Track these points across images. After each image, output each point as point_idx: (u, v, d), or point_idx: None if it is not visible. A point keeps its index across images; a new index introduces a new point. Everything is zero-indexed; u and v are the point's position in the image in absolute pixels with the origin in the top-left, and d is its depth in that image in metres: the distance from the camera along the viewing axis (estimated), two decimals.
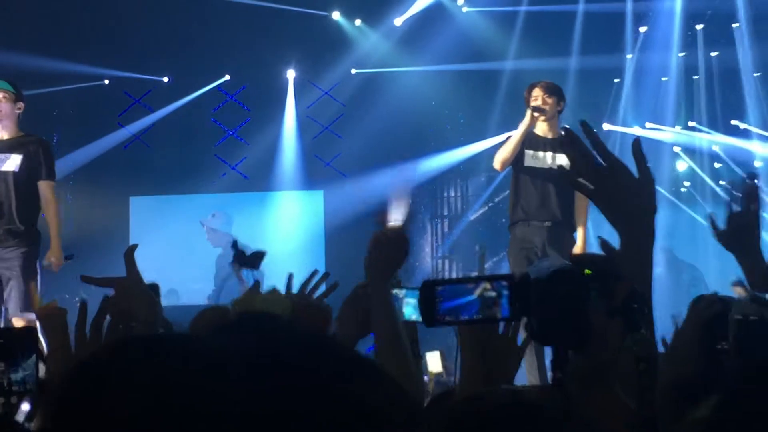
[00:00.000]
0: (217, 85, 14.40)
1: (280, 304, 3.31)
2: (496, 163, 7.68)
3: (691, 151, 15.49)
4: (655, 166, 14.80)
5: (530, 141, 7.71)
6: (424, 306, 2.30)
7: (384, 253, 3.18)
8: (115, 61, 13.59)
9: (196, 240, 13.99)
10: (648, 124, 14.95)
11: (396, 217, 3.37)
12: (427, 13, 13.62)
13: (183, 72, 14.10)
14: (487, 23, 13.73)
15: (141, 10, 12.89)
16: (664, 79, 14.54)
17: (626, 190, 2.16)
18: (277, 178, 14.38)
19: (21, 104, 7.46)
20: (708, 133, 14.82)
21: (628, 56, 14.34)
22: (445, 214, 15.16)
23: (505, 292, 2.25)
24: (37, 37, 12.46)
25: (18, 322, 6.79)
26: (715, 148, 15.15)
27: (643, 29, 14.08)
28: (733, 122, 14.92)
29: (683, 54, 14.29)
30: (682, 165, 15.52)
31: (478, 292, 2.26)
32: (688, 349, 2.39)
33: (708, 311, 2.38)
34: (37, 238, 7.45)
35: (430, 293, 2.29)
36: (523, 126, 7.62)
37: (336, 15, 13.90)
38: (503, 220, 14.68)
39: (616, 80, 14.70)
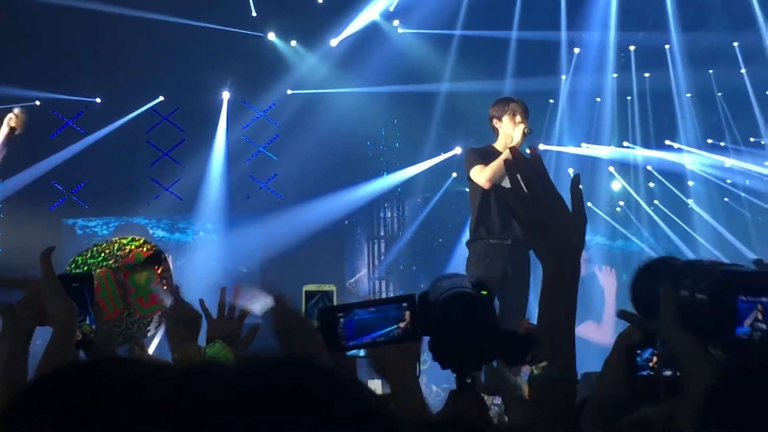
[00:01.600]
0: (151, 106, 14.53)
1: (224, 354, 3.41)
2: (485, 182, 7.69)
3: (625, 171, 15.98)
4: (591, 186, 15.35)
5: (494, 158, 7.92)
6: (326, 332, 2.35)
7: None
8: (45, 83, 13.66)
9: None
10: (583, 144, 15.41)
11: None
12: (363, 35, 13.98)
13: (115, 93, 14.23)
14: (423, 45, 14.12)
15: (72, 30, 13.04)
16: (598, 99, 15.02)
17: (557, 223, 2.20)
18: (211, 199, 14.55)
19: None
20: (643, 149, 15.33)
21: (563, 77, 14.80)
22: (382, 234, 15.49)
23: (407, 313, 2.34)
24: None
25: None
26: (649, 168, 15.69)
27: (576, 50, 14.55)
28: (667, 142, 15.47)
29: (616, 75, 14.77)
30: (617, 185, 15.99)
31: (378, 314, 2.34)
32: (615, 373, 2.41)
33: (630, 339, 2.37)
34: None
35: (330, 319, 2.35)
36: (515, 143, 7.72)
37: (271, 36, 14.20)
38: (440, 240, 15.14)
39: (551, 101, 15.16)
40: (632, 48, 14.67)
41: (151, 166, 14.66)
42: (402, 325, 2.35)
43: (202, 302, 3.74)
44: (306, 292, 3.42)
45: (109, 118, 14.34)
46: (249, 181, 14.63)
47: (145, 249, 4.40)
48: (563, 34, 14.10)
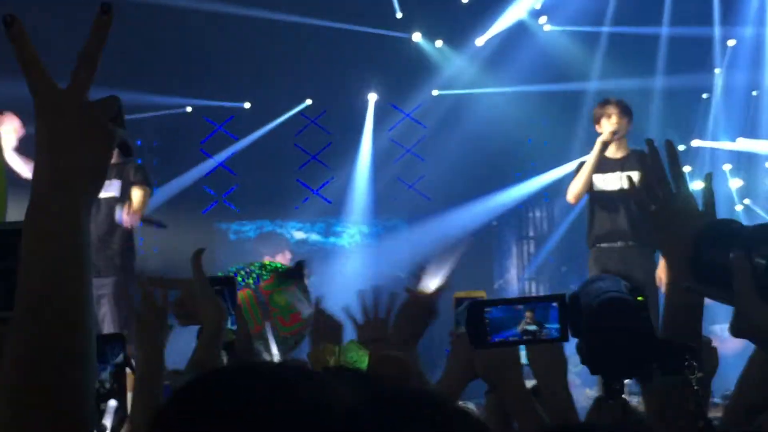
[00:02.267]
0: (299, 110, 14.90)
1: (357, 356, 3.52)
2: (570, 197, 8.01)
3: None
4: (748, 182, 15.00)
5: (599, 164, 8.00)
6: (472, 327, 2.38)
7: (410, 319, 3.19)
8: (196, 90, 14.16)
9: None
10: (739, 139, 15.05)
11: (431, 282, 3.41)
12: (508, 33, 14.00)
13: (264, 98, 14.60)
14: (570, 42, 14.04)
15: (220, 37, 13.42)
16: (754, 93, 14.66)
17: (685, 222, 2.16)
18: (359, 202, 14.76)
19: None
20: None
21: (717, 71, 14.50)
22: (531, 235, 15.47)
23: (555, 313, 2.34)
24: (117, 69, 13.01)
25: None
26: None
27: (731, 43, 14.23)
28: None
29: None
30: None
31: (527, 313, 2.34)
32: (759, 373, 2.34)
33: None
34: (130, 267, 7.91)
35: (477, 314, 2.37)
36: (593, 156, 7.87)
37: (417, 37, 14.34)
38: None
39: (704, 96, 14.87)
40: None
41: (300, 169, 14.96)
42: (548, 324, 2.34)
43: (347, 310, 3.75)
44: (456, 298, 3.41)
45: (258, 122, 14.70)
46: (397, 183, 14.77)
47: (277, 274, 4.57)
48: (716, 29, 13.81)
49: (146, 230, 13.16)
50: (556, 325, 2.33)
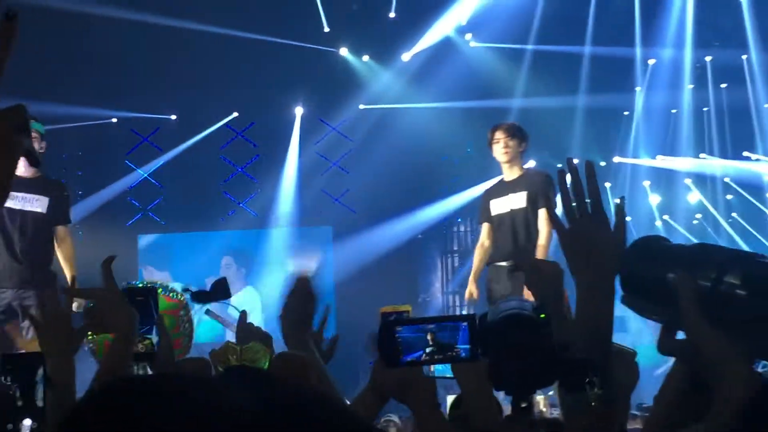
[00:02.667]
0: (225, 123, 14.94)
1: (259, 355, 3.51)
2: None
3: (702, 184, 15.94)
4: (668, 198, 15.37)
5: (494, 190, 8.53)
6: (384, 347, 2.36)
7: (294, 304, 3.15)
8: (122, 102, 14.14)
9: (205, 276, 14.46)
10: (659, 156, 15.43)
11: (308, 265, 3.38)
12: (435, 49, 14.16)
13: (190, 110, 14.66)
14: (495, 59, 14.24)
15: (147, 48, 13.38)
16: (673, 111, 15.03)
17: (599, 243, 2.15)
18: (284, 214, 14.84)
19: (44, 144, 7.84)
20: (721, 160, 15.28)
21: (637, 89, 14.85)
22: (455, 249, 15.65)
23: (465, 333, 2.34)
24: (43, 80, 12.94)
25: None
26: (727, 180, 15.64)
27: (651, 62, 14.57)
28: (745, 153, 15.40)
29: (692, 86, 14.76)
30: (694, 197, 15.96)
31: (437, 332, 2.35)
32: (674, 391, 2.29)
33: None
34: (54, 280, 7.85)
35: (389, 334, 2.35)
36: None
37: (344, 51, 14.45)
38: None
39: (625, 113, 15.21)
40: (708, 59, 14.64)
41: (225, 181, 15.00)
42: (459, 344, 2.36)
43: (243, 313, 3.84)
44: (382, 313, 3.41)
45: (185, 134, 14.70)
46: (322, 196, 14.87)
47: (169, 295, 4.67)
48: (638, 50, 14.14)
49: None
50: (466, 345, 2.35)
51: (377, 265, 13.88)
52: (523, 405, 2.31)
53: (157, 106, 14.46)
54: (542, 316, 2.30)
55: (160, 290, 4.50)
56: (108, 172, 14.59)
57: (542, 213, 7.90)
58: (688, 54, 14.26)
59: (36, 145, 7.69)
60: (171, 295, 4.73)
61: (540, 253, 7.74)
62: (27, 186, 7.62)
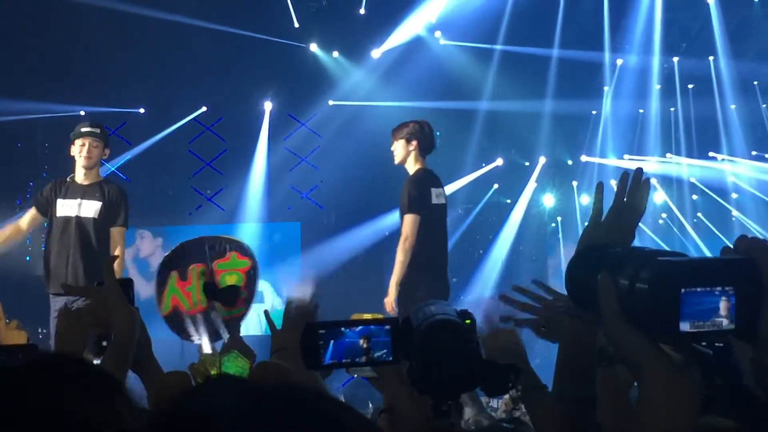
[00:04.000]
0: (194, 117, 15.04)
1: (238, 365, 3.57)
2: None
3: (668, 184, 16.19)
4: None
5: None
6: (307, 349, 2.39)
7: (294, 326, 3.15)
8: (90, 96, 14.11)
9: None
10: (626, 156, 15.67)
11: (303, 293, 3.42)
12: (405, 46, 14.35)
13: (159, 103, 14.73)
14: (465, 57, 14.44)
15: (115, 40, 13.48)
16: (641, 111, 15.28)
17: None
18: (253, 209, 14.95)
19: (108, 150, 8.35)
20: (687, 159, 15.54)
21: (605, 88, 15.08)
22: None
23: (388, 336, 2.40)
24: (12, 73, 13.02)
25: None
26: (693, 180, 15.91)
27: (620, 61, 14.83)
28: (711, 154, 15.68)
29: (659, 86, 15.01)
30: (660, 197, 16.20)
31: (361, 335, 2.40)
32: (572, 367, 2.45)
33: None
34: None
35: (312, 336, 2.39)
36: None
37: (313, 47, 14.60)
38: (480, 251, 15.48)
39: (593, 112, 15.44)
40: (676, 59, 14.90)
41: (194, 176, 15.07)
42: (381, 347, 2.40)
43: (266, 313, 3.79)
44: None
45: (153, 128, 14.75)
46: (291, 192, 14.99)
47: (241, 252, 4.84)
48: (606, 52, 14.39)
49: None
50: (389, 348, 2.39)
51: (345, 261, 14.06)
52: (444, 408, 2.32)
53: (125, 99, 14.47)
54: (467, 321, 2.36)
55: (230, 246, 4.57)
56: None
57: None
58: (656, 55, 14.51)
59: (96, 152, 7.84)
60: (242, 252, 4.87)
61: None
62: (83, 192, 7.99)
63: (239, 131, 15.15)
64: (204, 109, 15.03)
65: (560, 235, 16.51)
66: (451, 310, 2.43)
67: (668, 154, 15.78)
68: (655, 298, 1.66)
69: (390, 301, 7.86)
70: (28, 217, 8.29)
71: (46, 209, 8.09)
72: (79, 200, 7.98)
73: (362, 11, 14.02)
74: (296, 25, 14.14)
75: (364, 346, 2.39)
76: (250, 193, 15.00)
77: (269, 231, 15.01)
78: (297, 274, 14.62)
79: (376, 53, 14.53)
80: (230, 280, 4.62)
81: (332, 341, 2.39)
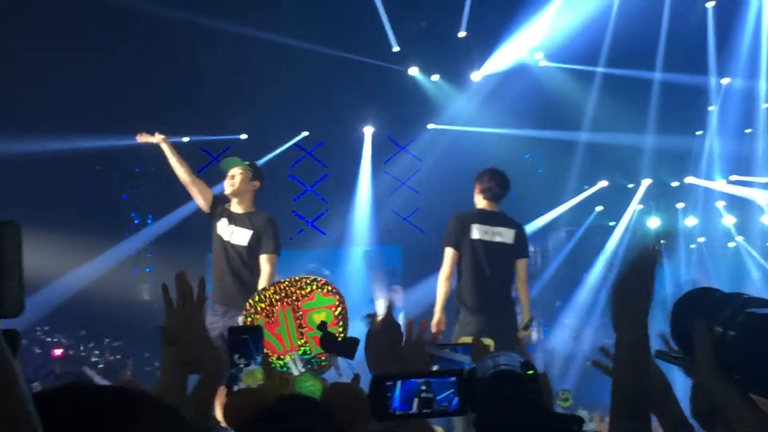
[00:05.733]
0: (295, 142, 15.31)
1: (310, 386, 3.58)
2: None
3: None
4: (742, 220, 15.38)
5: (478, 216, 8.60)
6: (375, 400, 2.43)
7: (380, 345, 3.15)
8: (193, 123, 14.44)
9: None
10: (733, 176, 15.44)
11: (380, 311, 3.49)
12: (505, 69, 14.43)
13: (261, 129, 15.00)
14: (566, 79, 14.41)
15: (217, 68, 13.79)
16: (748, 131, 15.04)
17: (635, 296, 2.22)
18: (355, 233, 15.08)
19: (257, 183, 8.56)
20: None
21: (711, 108, 14.90)
22: None
23: (453, 387, 2.44)
24: (117, 103, 13.36)
25: None
26: None
27: (725, 81, 14.64)
28: None
29: (767, 106, 14.78)
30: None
31: (427, 385, 2.45)
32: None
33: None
34: None
35: (380, 387, 2.43)
36: None
37: (413, 70, 14.72)
38: (583, 274, 15.39)
39: (698, 132, 15.25)
40: None
41: (295, 200, 15.26)
42: (447, 398, 2.44)
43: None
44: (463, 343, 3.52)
45: (255, 153, 14.95)
46: (392, 215, 15.09)
47: (325, 290, 4.93)
48: (712, 75, 14.27)
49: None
50: (455, 399, 2.44)
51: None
52: None
53: (226, 126, 14.75)
54: (529, 372, 2.42)
55: (314, 286, 4.69)
56: (179, 190, 14.86)
57: None
58: (763, 73, 14.30)
59: (241, 181, 8.29)
60: (326, 290, 4.98)
61: None
62: (237, 220, 8.31)
63: (340, 156, 15.38)
64: (305, 133, 15.24)
65: (665, 258, 16.31)
66: (515, 360, 2.49)
67: None
68: (745, 350, 1.72)
69: (433, 323, 8.16)
70: (202, 185, 8.62)
71: (213, 210, 8.44)
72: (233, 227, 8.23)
73: (462, 34, 14.07)
74: (396, 48, 14.24)
75: (431, 396, 2.43)
76: (352, 217, 15.14)
77: (370, 254, 15.13)
78: (399, 297, 14.71)
79: (476, 76, 14.61)
80: (318, 318, 4.68)
81: (399, 391, 2.43)
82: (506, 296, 8.40)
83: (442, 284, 8.40)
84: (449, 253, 8.40)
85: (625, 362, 2.19)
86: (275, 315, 4.73)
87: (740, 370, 1.73)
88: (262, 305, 5.22)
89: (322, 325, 4.19)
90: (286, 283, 5.25)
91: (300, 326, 4.97)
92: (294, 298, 5.09)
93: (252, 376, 3.31)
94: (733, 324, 1.73)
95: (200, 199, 8.58)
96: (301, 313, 5.02)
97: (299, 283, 5.19)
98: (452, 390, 2.42)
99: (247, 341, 3.42)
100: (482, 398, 2.36)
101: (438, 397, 2.43)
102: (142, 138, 8.94)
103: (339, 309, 5.12)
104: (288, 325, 4.82)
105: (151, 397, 1.51)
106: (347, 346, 3.95)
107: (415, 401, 2.43)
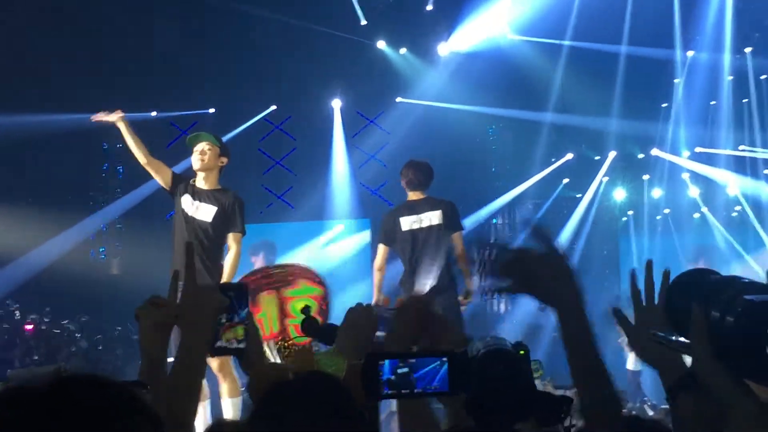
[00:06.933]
0: (263, 116, 15.32)
1: (336, 364, 3.56)
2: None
3: (741, 175, 16.01)
4: (707, 192, 15.54)
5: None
6: (367, 379, 2.45)
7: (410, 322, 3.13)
8: (160, 97, 14.49)
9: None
10: (698, 148, 15.59)
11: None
12: (472, 42, 14.52)
13: (228, 103, 15.02)
14: (533, 53, 14.49)
15: (184, 43, 13.83)
16: (712, 103, 15.17)
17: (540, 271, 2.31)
18: (323, 207, 15.13)
19: (224, 159, 8.51)
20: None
21: (676, 81, 15.02)
22: (492, 241, 15.88)
23: (444, 367, 2.44)
24: (84, 78, 13.33)
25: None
26: (767, 172, 15.75)
27: (690, 54, 14.75)
28: None
29: (732, 78, 14.90)
30: (732, 190, 16.02)
31: (419, 366, 2.46)
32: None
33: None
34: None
35: (372, 366, 2.45)
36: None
37: (381, 44, 14.75)
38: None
39: (663, 105, 15.38)
40: (748, 50, 14.78)
41: (264, 174, 15.28)
42: (438, 378, 2.45)
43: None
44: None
45: (223, 127, 14.96)
46: (361, 189, 15.15)
47: (310, 280, 5.01)
48: (678, 48, 14.38)
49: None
50: (446, 379, 2.45)
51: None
52: None
53: (195, 100, 14.77)
54: (521, 352, 2.46)
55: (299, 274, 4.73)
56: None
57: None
58: (728, 47, 14.43)
59: (210, 156, 8.20)
60: (317, 281, 5.03)
61: None
62: (203, 196, 8.30)
63: (308, 129, 15.43)
64: (274, 107, 15.25)
65: (632, 229, 16.50)
66: (507, 342, 2.53)
67: (741, 146, 15.63)
68: (743, 336, 1.73)
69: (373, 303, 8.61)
70: (159, 164, 8.62)
71: (175, 187, 8.44)
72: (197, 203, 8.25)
73: (429, 7, 14.11)
74: (363, 22, 14.26)
75: (422, 376, 2.45)
76: (320, 191, 15.16)
77: (339, 228, 15.18)
78: (368, 270, 14.78)
79: (443, 50, 14.63)
80: (300, 306, 4.71)
81: (391, 371, 2.45)
82: (444, 276, 8.86)
83: (375, 274, 9.17)
84: (380, 249, 9.21)
85: (572, 335, 2.22)
86: (259, 300, 4.79)
87: (736, 356, 1.76)
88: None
89: (306, 309, 4.21)
90: (273, 269, 5.31)
91: (282, 314, 5.03)
92: (278, 284, 5.15)
93: (233, 332, 3.32)
94: (731, 310, 1.76)
95: (159, 178, 8.60)
96: (283, 299, 5.07)
97: (286, 269, 5.25)
98: (444, 370, 2.43)
99: (231, 298, 3.44)
100: (473, 378, 2.36)
101: (429, 377, 2.45)
102: (98, 117, 8.80)
103: (325, 300, 5.15)
104: (270, 311, 4.87)
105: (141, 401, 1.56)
106: (327, 333, 4.00)
107: (407, 381, 2.45)
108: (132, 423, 1.50)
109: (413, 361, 2.45)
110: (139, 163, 8.78)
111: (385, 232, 9.18)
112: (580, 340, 2.21)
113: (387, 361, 2.46)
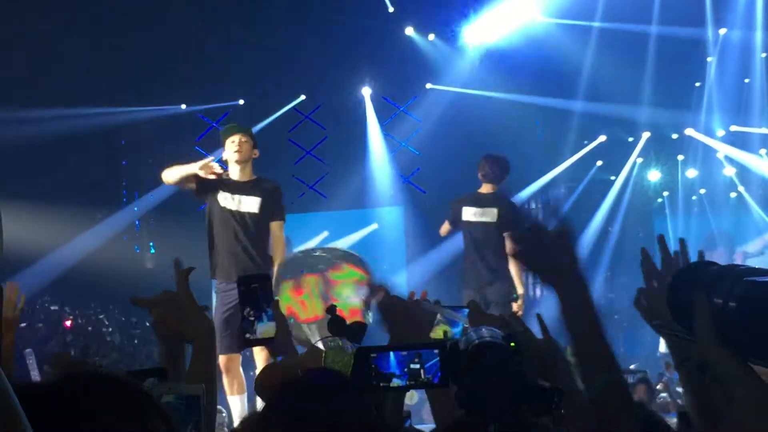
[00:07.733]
0: (293, 106, 15.33)
1: (342, 360, 3.60)
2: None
3: None
4: (742, 169, 15.42)
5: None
6: (358, 373, 2.47)
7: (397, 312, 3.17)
8: (190, 90, 14.60)
9: None
10: (733, 127, 15.46)
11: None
12: (502, 26, 14.39)
13: (257, 94, 15.07)
14: (564, 36, 14.36)
15: (212, 36, 13.85)
16: (746, 81, 15.04)
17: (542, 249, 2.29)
18: (355, 195, 15.11)
19: (257, 151, 8.41)
20: None
21: (709, 59, 14.90)
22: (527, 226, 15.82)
23: (437, 360, 2.47)
24: (116, 73, 13.41)
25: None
26: None
27: (722, 31, 14.62)
28: None
29: (765, 55, 14.76)
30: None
31: (411, 358, 2.48)
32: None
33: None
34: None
35: (364, 360, 2.47)
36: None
37: (409, 30, 14.68)
38: (586, 229, 15.44)
39: (696, 84, 15.25)
40: None
41: (295, 164, 15.28)
42: (430, 370, 2.47)
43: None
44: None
45: (253, 118, 14.99)
46: (392, 177, 15.13)
47: (355, 265, 5.00)
48: (709, 26, 14.26)
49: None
50: (438, 371, 2.47)
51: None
52: (490, 431, 2.34)
53: (224, 92, 14.80)
54: (512, 344, 2.42)
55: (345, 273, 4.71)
56: (178, 158, 14.85)
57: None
58: (760, 24, 14.28)
59: (247, 148, 8.18)
60: (362, 266, 5.02)
61: None
62: (242, 188, 8.15)
63: (338, 118, 15.42)
64: (302, 97, 15.25)
65: (667, 210, 16.40)
66: (498, 333, 2.49)
67: None
68: (746, 319, 1.73)
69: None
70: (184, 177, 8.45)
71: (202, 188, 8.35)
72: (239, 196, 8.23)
73: None
74: (391, 9, 14.21)
75: (416, 368, 2.47)
76: (352, 179, 15.15)
77: (371, 216, 15.18)
78: (402, 258, 14.78)
79: (472, 35, 14.56)
80: (345, 291, 4.74)
81: (383, 364, 2.47)
82: (494, 270, 9.08)
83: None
84: (445, 224, 9.63)
85: (575, 319, 2.21)
86: (301, 283, 4.78)
87: (740, 339, 1.75)
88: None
89: (332, 308, 4.19)
90: (319, 252, 5.31)
91: (325, 296, 5.03)
92: (323, 267, 5.15)
93: (266, 332, 3.30)
94: (733, 294, 1.75)
95: (187, 187, 8.45)
96: (329, 282, 5.06)
97: (333, 253, 5.25)
98: (436, 362, 2.46)
99: (256, 291, 3.40)
100: (464, 370, 2.37)
101: (422, 369, 2.46)
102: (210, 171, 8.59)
103: (366, 283, 5.13)
104: (312, 294, 4.87)
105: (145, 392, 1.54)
106: (355, 331, 3.98)
107: (401, 372, 2.47)
108: (145, 420, 1.47)
109: (406, 353, 2.47)
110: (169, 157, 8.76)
111: (453, 215, 9.48)
112: (580, 317, 2.21)
113: (380, 354, 2.48)
